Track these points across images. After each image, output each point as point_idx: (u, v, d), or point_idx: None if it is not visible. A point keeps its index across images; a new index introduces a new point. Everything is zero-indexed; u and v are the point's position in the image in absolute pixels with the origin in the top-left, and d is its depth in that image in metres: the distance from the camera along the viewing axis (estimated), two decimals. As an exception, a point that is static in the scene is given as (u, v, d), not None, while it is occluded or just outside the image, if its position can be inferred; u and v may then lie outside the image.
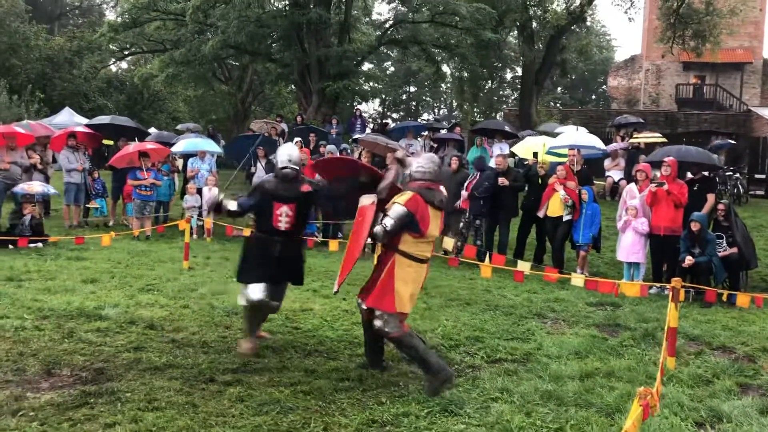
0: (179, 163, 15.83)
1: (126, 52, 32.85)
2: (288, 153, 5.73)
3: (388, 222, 4.94)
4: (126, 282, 8.34)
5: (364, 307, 5.24)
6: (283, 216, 5.58)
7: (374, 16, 32.10)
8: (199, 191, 13.34)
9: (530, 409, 4.63)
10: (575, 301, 8.43)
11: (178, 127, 21.59)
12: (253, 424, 4.20)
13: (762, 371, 5.79)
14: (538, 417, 4.49)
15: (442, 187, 5.26)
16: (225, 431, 4.07)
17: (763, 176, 20.97)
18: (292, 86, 30.13)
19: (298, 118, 20.92)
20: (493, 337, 6.56)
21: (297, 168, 5.70)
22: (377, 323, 5.02)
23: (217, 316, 6.86)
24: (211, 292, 7.85)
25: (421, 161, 5.24)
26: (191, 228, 11.67)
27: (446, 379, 4.92)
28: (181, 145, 15.04)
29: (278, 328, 6.52)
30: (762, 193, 19.85)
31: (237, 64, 30.37)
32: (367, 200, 5.26)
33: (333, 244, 10.01)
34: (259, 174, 13.78)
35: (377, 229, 5.00)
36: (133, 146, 13.95)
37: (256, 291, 5.53)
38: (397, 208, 4.97)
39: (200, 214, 12.87)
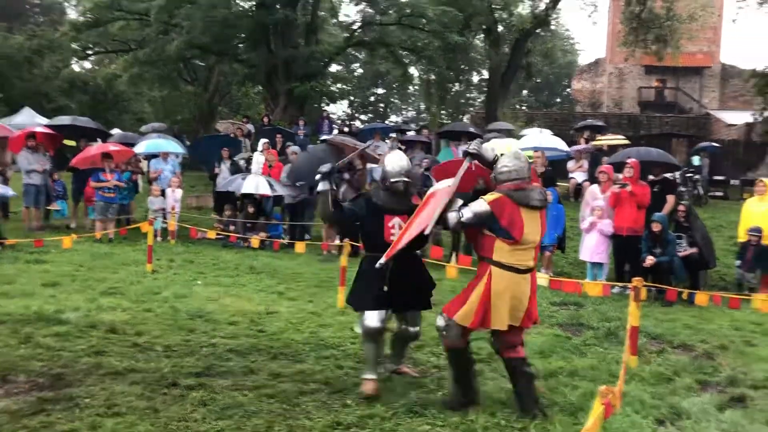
0: (144, 164, 15.60)
1: (89, 52, 32.21)
2: (400, 165, 5.09)
3: (467, 213, 4.46)
4: (87, 285, 8.18)
5: (442, 321, 4.65)
6: (396, 229, 5.01)
7: (342, 18, 31.99)
8: (163, 193, 13.16)
9: (495, 409, 4.65)
10: (539, 300, 8.38)
11: (142, 128, 21.24)
12: (215, 429, 4.15)
13: (720, 368, 5.91)
14: (502, 417, 4.51)
15: (537, 184, 4.71)
16: (187, 436, 4.01)
17: (722, 178, 21.45)
18: (259, 87, 29.92)
19: (265, 119, 20.77)
20: (459, 337, 6.57)
21: (409, 180, 5.12)
22: (439, 322, 4.63)
23: (180, 319, 6.77)
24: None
25: (504, 160, 4.64)
26: (155, 230, 11.50)
27: (466, 404, 4.60)
28: (143, 146, 14.82)
29: (243, 331, 6.46)
30: (721, 194, 20.29)
31: (203, 64, 30.06)
32: (443, 184, 4.76)
33: (299, 246, 9.96)
34: (224, 175, 13.64)
35: (451, 215, 4.49)
36: (96, 147, 13.72)
37: (373, 318, 4.99)
38: (480, 203, 4.49)
39: (165, 216, 12.70)
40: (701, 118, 32.26)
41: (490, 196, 4.51)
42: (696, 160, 20.65)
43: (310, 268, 10.29)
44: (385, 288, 4.93)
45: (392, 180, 5.06)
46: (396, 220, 5.04)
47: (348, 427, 4.30)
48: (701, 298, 8.01)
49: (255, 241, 11.14)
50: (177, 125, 26.14)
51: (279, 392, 4.86)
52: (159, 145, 14.55)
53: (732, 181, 21.42)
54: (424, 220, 4.58)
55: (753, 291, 9.53)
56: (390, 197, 5.11)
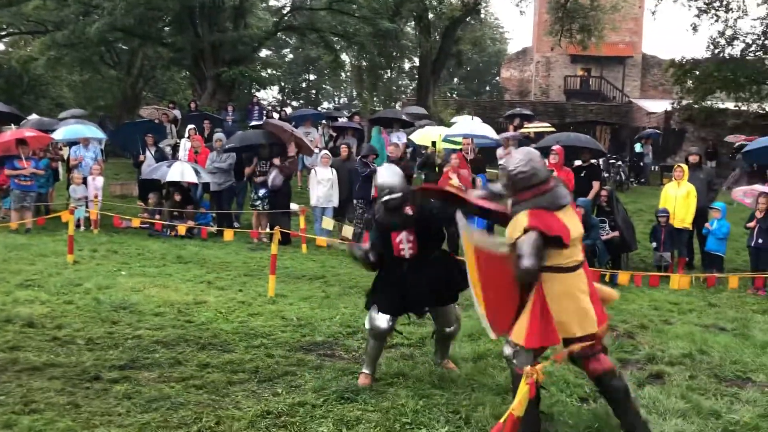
0: (65, 151, 14.95)
1: (2, 33, 30.60)
2: (389, 185, 4.95)
3: (527, 262, 3.78)
4: (2, 278, 7.79)
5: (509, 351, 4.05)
6: (405, 243, 4.98)
7: (271, 2, 31.47)
8: (85, 180, 12.66)
9: (425, 393, 4.70)
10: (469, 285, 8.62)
11: (62, 114, 20.30)
12: (140, 422, 4.03)
13: (640, 346, 6.15)
14: (432, 400, 4.56)
15: (556, 180, 4.21)
16: (110, 430, 3.87)
17: (643, 164, 22.30)
18: (186, 72, 29.13)
19: (192, 105, 20.25)
20: (390, 323, 6.60)
21: (399, 197, 4.94)
22: (506, 350, 4.05)
23: (103, 311, 6.53)
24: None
25: (516, 162, 4.06)
26: (77, 219, 11.07)
27: None
28: (61, 133, 14.18)
29: (169, 322, 6.29)
30: (642, 180, 21.11)
31: (126, 48, 28.95)
32: (498, 247, 4.12)
33: (228, 234, 9.77)
34: (149, 162, 13.23)
35: (518, 274, 3.87)
36: (10, 133, 13.04)
37: (383, 320, 4.95)
38: (528, 237, 3.84)
39: (87, 205, 12.22)
40: (624, 106, 33.41)
41: (525, 219, 3.90)
42: (638, 147, 21.42)
43: (239, 257, 10.12)
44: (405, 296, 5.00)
45: (384, 200, 4.99)
46: (403, 235, 4.97)
47: (278, 415, 4.26)
48: (623, 278, 8.33)
49: (182, 229, 10.87)
50: (101, 111, 25.11)
51: (207, 383, 4.76)
52: (78, 131, 13.94)
53: (652, 167, 22.35)
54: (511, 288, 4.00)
55: (666, 269, 9.99)
56: (387, 214, 5.04)
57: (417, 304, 5.11)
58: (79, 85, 32.42)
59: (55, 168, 13.61)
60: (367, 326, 5.08)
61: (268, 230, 11.34)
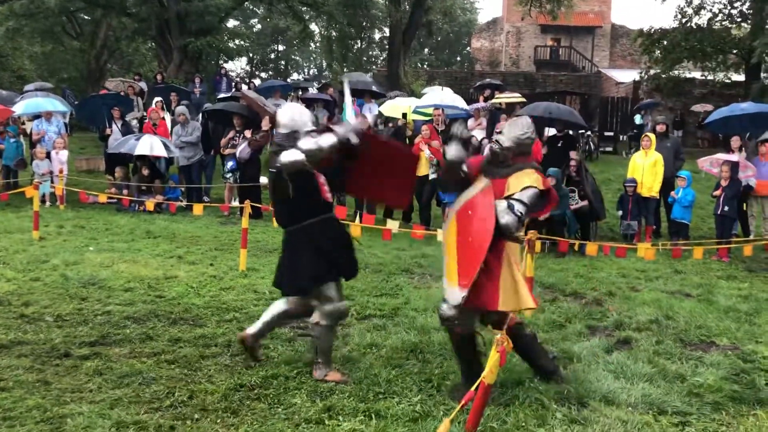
0: (28, 126, 14.58)
1: (-43, 2, 29.56)
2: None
3: (521, 208, 4.02)
4: (-34, 256, 7.63)
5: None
6: (326, 185, 4.54)
7: (237, -29, 30.79)
8: (49, 155, 12.38)
9: (398, 362, 4.74)
10: (441, 256, 8.68)
11: (27, 87, 19.75)
12: (112, 398, 4.00)
13: (608, 313, 6.27)
14: (405, 369, 4.61)
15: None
16: (81, 407, 3.84)
17: (612, 134, 22.53)
18: (151, 43, 28.50)
19: (158, 77, 19.85)
20: (363, 294, 6.65)
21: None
22: (446, 311, 4.14)
23: (71, 287, 6.43)
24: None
25: (525, 129, 4.25)
26: (41, 195, 10.84)
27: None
28: (21, 106, 13.80)
29: (140, 297, 6.23)
30: (611, 149, 21.34)
31: (89, 18, 28.19)
32: (475, 189, 4.22)
33: (197, 208, 9.66)
34: (115, 136, 12.97)
35: (509, 220, 3.99)
36: (-30, 107, 12.67)
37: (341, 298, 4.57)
38: (531, 191, 4.08)
39: (52, 180, 11.97)
40: (593, 76, 33.63)
41: (531, 177, 4.13)
42: (638, 119, 21.50)
43: (210, 231, 10.04)
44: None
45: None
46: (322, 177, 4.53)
47: (251, 388, 4.26)
48: (591, 248, 8.44)
49: (150, 204, 10.72)
50: (64, 84, 24.48)
51: (179, 357, 4.74)
52: (39, 105, 13.58)
53: (621, 137, 22.58)
54: (482, 236, 4.00)
55: (631, 238, 10.17)
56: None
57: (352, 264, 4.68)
58: (41, 57, 31.55)
59: (19, 141, 13.28)
60: (330, 322, 4.47)
61: (237, 203, 11.25)
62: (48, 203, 11.65)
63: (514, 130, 4.26)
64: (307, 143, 4.31)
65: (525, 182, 4.12)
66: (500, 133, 4.46)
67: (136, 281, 6.74)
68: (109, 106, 13.58)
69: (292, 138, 4.42)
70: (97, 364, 4.54)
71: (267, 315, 4.73)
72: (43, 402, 3.90)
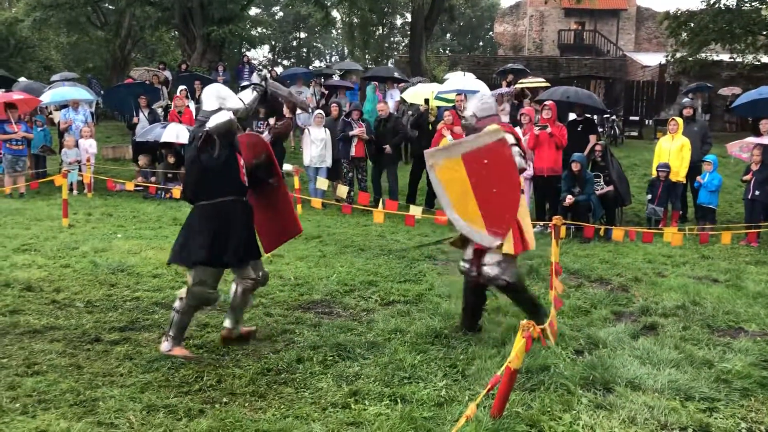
0: (56, 115, 14.80)
1: (-15, -5, 29.99)
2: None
3: (518, 149, 4.85)
4: (-2, 243, 7.79)
5: (470, 268, 4.95)
6: (245, 169, 4.71)
7: (259, -42, 30.82)
8: (77, 144, 12.56)
9: (423, 348, 4.76)
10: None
11: (53, 77, 20.00)
12: (142, 382, 4.08)
13: (634, 299, 6.23)
14: (429, 354, 4.63)
15: None
16: (112, 391, 3.93)
17: (637, 118, 22.22)
18: (175, 32, 28.65)
19: (182, 66, 19.98)
20: (387, 280, 6.67)
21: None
22: (491, 271, 4.77)
23: (101, 274, 6.56)
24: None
25: (474, 102, 5.14)
26: (70, 183, 11.02)
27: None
28: (48, 95, 14.00)
29: (167, 283, 6.33)
30: (636, 134, 21.06)
31: (113, 8, 28.40)
32: (489, 138, 4.66)
33: (176, 192, 9.68)
34: (142, 125, 13.11)
35: (521, 162, 4.79)
36: (-1, 97, 12.88)
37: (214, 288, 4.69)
38: (518, 148, 4.86)
39: (80, 169, 12.15)
40: (618, 60, 33.12)
41: (499, 130, 4.71)
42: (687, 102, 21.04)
43: (235, 218, 10.11)
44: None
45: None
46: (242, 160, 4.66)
47: (278, 372, 4.32)
48: (617, 233, 8.37)
49: (176, 191, 10.83)
50: (90, 74, 24.74)
51: (207, 342, 4.82)
52: (65, 94, 13.77)
53: (646, 121, 22.26)
54: (513, 190, 4.66)
55: (657, 223, 10.05)
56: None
57: (251, 250, 4.75)
58: (67, 47, 31.92)
59: (48, 131, 13.49)
60: (192, 303, 4.55)
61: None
62: (75, 191, 11.83)
63: (473, 103, 5.14)
64: (232, 103, 4.59)
65: (504, 136, 4.70)
66: (464, 111, 5.23)
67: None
68: (136, 95, 13.73)
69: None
70: (127, 348, 4.63)
71: (232, 303, 4.86)
72: (76, 385, 3.99)
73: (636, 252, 8.37)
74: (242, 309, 4.93)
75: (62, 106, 13.98)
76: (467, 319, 5.13)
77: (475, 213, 4.60)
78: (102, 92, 19.34)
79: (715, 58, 24.11)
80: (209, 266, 4.50)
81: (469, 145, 4.68)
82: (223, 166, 4.46)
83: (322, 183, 10.96)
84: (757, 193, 9.51)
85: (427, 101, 11.86)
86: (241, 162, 4.62)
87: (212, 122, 4.37)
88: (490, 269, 4.74)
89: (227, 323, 4.83)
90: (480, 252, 4.85)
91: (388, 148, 11.36)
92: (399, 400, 3.89)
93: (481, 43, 54.98)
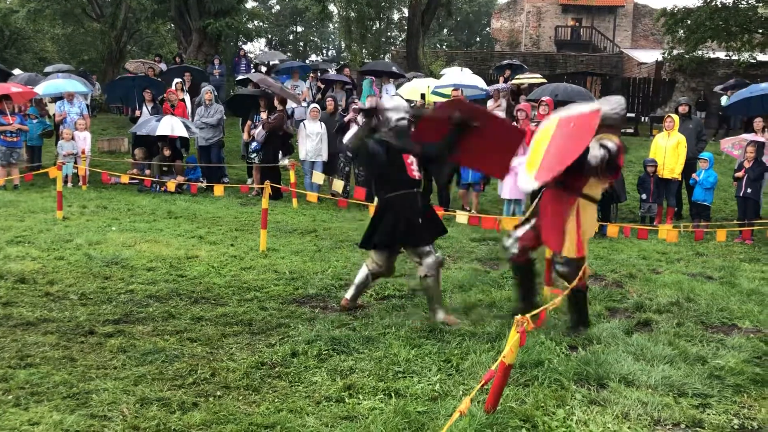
0: (51, 107, 14.72)
1: (-21, -15, 29.78)
2: (394, 107, 5.46)
3: (611, 145, 4.81)
4: (-9, 235, 7.76)
5: (516, 249, 5.24)
6: (415, 164, 5.30)
7: (256, -49, 30.67)
8: (73, 137, 12.50)
9: (417, 342, 4.76)
10: (459, 237, 8.70)
11: (47, 69, 19.89)
12: (136, 375, 4.07)
13: (628, 295, 6.25)
14: (424, 349, 4.63)
15: None
16: (106, 383, 3.91)
17: (633, 115, 22.23)
18: (171, 24, 28.54)
19: (177, 59, 19.91)
20: (382, 275, 6.65)
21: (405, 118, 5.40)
22: (561, 269, 4.99)
23: (95, 266, 6.53)
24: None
25: (614, 106, 5.03)
26: (65, 176, 10.97)
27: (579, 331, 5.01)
28: (41, 88, 13.92)
29: (162, 276, 6.31)
30: (632, 131, 21.07)
31: (108, -1, 28.31)
32: (587, 108, 4.94)
33: (218, 189, 9.72)
34: (145, 117, 13.06)
35: (596, 152, 4.76)
36: (-7, 88, 12.80)
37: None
38: (612, 144, 4.82)
39: (75, 161, 12.09)
40: (614, 56, 33.14)
41: (615, 139, 4.88)
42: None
43: (230, 212, 10.11)
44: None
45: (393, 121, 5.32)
46: (412, 157, 5.28)
47: (273, 366, 4.31)
48: (612, 230, 8.38)
49: (171, 184, 10.81)
50: (85, 66, 24.62)
51: (201, 336, 4.81)
52: (59, 86, 13.69)
53: (642, 118, 22.29)
54: (574, 146, 4.68)
55: (651, 220, 10.07)
56: (398, 136, 5.31)
57: (422, 234, 5.29)
58: (62, 38, 31.79)
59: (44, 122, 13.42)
60: (430, 261, 5.27)
61: (257, 185, 11.31)
62: (70, 184, 11.78)
63: (609, 106, 5.02)
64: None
65: (614, 138, 4.90)
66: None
67: (158, 261, 6.82)
68: (141, 88, 13.67)
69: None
70: (121, 341, 4.62)
71: (357, 278, 5.56)
72: (70, 378, 3.98)
73: (630, 248, 8.38)
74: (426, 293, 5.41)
75: (57, 98, 13.91)
76: (523, 301, 5.30)
77: (536, 162, 4.91)
78: (97, 84, 19.28)
79: (712, 55, 24.16)
80: (374, 249, 5.45)
81: (573, 110, 5.07)
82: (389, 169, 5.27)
83: (318, 177, 10.94)
84: (749, 191, 9.55)
85: (423, 96, 11.84)
86: (408, 160, 5.24)
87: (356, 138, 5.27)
88: (560, 267, 4.98)
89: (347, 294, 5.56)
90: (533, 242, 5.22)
91: None
92: (393, 395, 3.89)
93: (478, 39, 54.99)
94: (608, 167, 4.82)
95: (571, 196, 4.89)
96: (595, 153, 4.72)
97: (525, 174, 4.99)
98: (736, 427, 3.67)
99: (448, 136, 5.29)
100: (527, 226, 5.26)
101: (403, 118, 5.31)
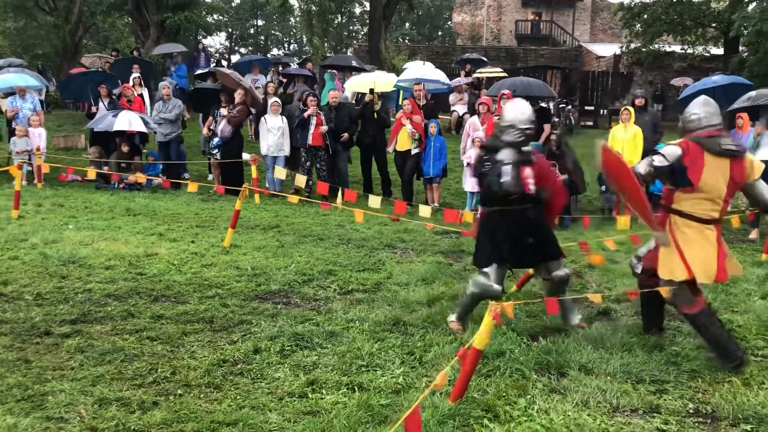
0: (2, 103, 14.29)
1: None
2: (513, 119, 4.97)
3: (658, 158, 4.37)
4: (-58, 235, 7.52)
5: (639, 269, 4.80)
6: (531, 178, 4.88)
7: (214, -56, 30.25)
8: (28, 133, 12.16)
9: (381, 336, 4.77)
10: (423, 231, 8.72)
11: (-1, 63, 19.33)
12: (94, 375, 3.99)
13: (588, 285, 6.35)
14: (387, 342, 4.64)
15: (725, 132, 4.45)
16: (63, 384, 3.83)
17: (592, 108, 22.60)
18: (128, 18, 27.98)
19: (135, 53, 19.54)
20: (346, 269, 6.66)
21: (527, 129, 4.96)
22: (667, 296, 4.45)
23: (51, 266, 6.37)
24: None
25: (694, 108, 4.49)
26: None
27: (738, 364, 4.28)
28: (-10, 83, 13.52)
29: (120, 275, 6.19)
30: (591, 123, 21.41)
31: (62, -8, 27.59)
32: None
33: (192, 186, 9.52)
34: (102, 113, 12.76)
35: (642, 165, 4.44)
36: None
37: (496, 283, 4.93)
38: (671, 147, 4.38)
39: (29, 158, 11.77)
40: (573, 50, 33.59)
41: (678, 140, 4.43)
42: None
43: (191, 208, 9.97)
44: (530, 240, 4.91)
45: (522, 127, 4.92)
46: (528, 170, 4.87)
47: (235, 363, 4.27)
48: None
49: (141, 178, 10.58)
50: (39, 60, 23.98)
51: (161, 334, 4.73)
52: (10, 81, 13.29)
53: (601, 111, 22.67)
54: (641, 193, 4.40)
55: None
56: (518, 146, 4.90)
57: (538, 253, 4.98)
58: (14, 32, 30.91)
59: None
60: (472, 288, 4.94)
61: (216, 182, 11.18)
62: (25, 182, 11.47)
63: (687, 110, 4.56)
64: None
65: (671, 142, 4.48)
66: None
67: (117, 259, 6.69)
68: (95, 83, 13.36)
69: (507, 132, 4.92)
70: (79, 341, 4.52)
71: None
72: (24, 380, 3.89)
73: (590, 239, 8.50)
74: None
75: (9, 93, 13.51)
76: (646, 320, 4.96)
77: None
78: (53, 80, 18.81)
79: (668, 49, 24.66)
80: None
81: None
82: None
83: (280, 172, 10.84)
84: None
85: (372, 91, 11.81)
86: (524, 173, 4.81)
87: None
88: (666, 293, 4.47)
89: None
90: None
91: (345, 135, 11.31)
92: (356, 389, 3.89)
93: (440, 33, 55.17)
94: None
95: (662, 211, 4.62)
96: (641, 165, 4.48)
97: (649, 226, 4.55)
98: (691, 411, 3.76)
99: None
100: (652, 243, 4.77)
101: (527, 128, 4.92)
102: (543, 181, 4.95)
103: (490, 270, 4.90)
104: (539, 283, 5.35)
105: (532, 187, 4.83)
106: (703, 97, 4.57)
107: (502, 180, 4.74)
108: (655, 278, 4.53)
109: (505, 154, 4.82)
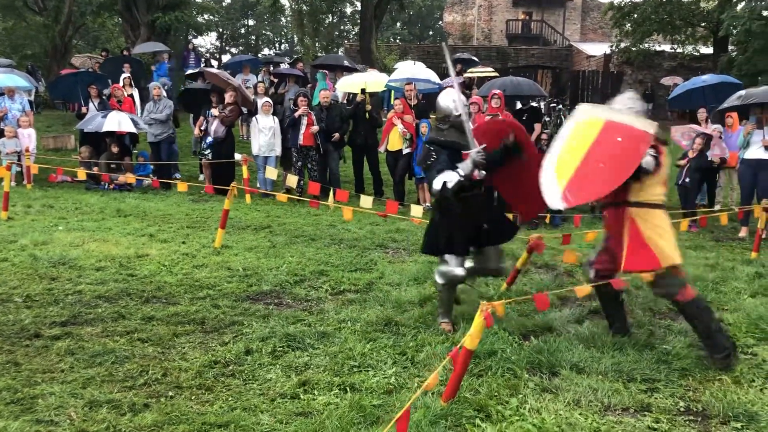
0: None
1: None
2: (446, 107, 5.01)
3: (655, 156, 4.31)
4: (-70, 237, 7.46)
5: (592, 274, 4.75)
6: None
7: (205, -57, 30.15)
8: (17, 134, 12.07)
9: (372, 336, 4.77)
10: (414, 230, 8.72)
11: (-16, 63, 19.18)
12: (84, 377, 3.97)
13: (579, 284, 6.35)
14: (379, 343, 4.64)
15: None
16: (53, 387, 3.81)
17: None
18: (118, 18, 27.84)
19: (125, 53, 19.44)
20: (338, 269, 6.65)
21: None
22: (657, 290, 4.48)
23: (41, 267, 6.34)
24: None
25: (625, 101, 4.62)
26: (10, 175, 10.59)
27: (726, 356, 4.30)
28: (-22, 83, 13.40)
29: (111, 276, 6.16)
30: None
31: (51, -9, 27.42)
32: (640, 124, 4.33)
33: (182, 186, 9.50)
34: (92, 114, 12.69)
35: (648, 160, 4.27)
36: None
37: (458, 268, 4.92)
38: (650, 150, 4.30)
39: (19, 159, 11.69)
40: (564, 50, 33.69)
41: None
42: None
43: (181, 209, 9.93)
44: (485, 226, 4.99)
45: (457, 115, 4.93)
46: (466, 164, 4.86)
47: (226, 364, 4.26)
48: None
49: (131, 178, 10.53)
50: (29, 61, 23.81)
51: (152, 336, 4.71)
52: (-2, 81, 13.19)
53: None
54: (615, 176, 4.17)
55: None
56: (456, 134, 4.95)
57: (496, 236, 5.09)
58: (3, 32, 30.69)
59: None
60: (439, 280, 4.97)
61: (208, 181, 11.15)
62: (14, 183, 11.39)
63: (620, 104, 4.65)
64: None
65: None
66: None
67: (107, 260, 6.66)
68: (86, 84, 13.28)
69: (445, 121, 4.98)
70: (69, 344, 4.50)
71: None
72: (14, 383, 3.86)
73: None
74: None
75: (-1, 93, 13.40)
76: (611, 322, 4.91)
77: (568, 170, 4.29)
78: (42, 81, 18.68)
79: (658, 48, 24.77)
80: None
81: (623, 118, 4.44)
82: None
83: (271, 172, 10.82)
84: (687, 180, 9.82)
85: (363, 91, 11.80)
86: None
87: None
88: (656, 288, 4.49)
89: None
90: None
91: (337, 135, 11.29)
92: (348, 389, 3.89)
93: (431, 33, 55.20)
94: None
95: (617, 209, 4.52)
96: (647, 160, 4.30)
97: (553, 180, 4.32)
98: (682, 409, 3.78)
99: (495, 151, 4.96)
100: (600, 248, 4.82)
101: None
102: (490, 139, 4.99)
103: (448, 256, 4.94)
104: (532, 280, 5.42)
105: (479, 174, 4.85)
106: (630, 93, 4.81)
107: (432, 188, 4.84)
108: (606, 278, 4.57)
109: (443, 159, 4.82)
